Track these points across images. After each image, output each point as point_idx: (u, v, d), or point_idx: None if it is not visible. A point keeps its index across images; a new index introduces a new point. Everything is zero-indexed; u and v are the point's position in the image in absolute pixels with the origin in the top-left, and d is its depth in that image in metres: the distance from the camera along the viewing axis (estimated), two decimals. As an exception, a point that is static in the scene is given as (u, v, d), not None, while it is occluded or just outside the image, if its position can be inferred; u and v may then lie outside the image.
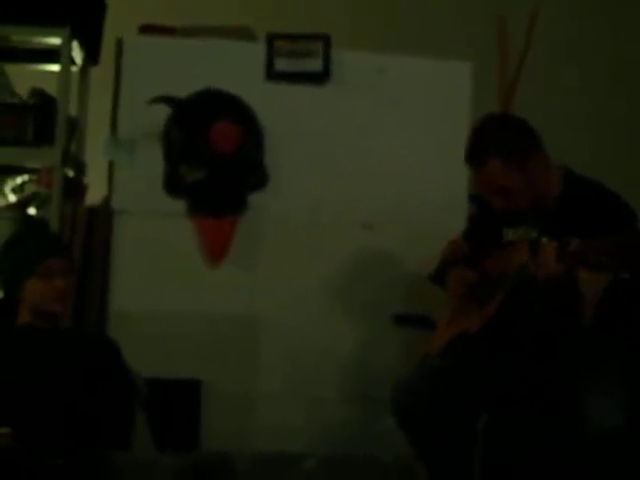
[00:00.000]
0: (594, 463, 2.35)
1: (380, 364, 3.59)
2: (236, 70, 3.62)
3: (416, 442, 2.63)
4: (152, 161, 3.52)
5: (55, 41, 3.56)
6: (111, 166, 3.58)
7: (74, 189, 3.74)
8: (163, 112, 3.48)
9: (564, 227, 2.56)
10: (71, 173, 3.74)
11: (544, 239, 2.39)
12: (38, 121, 3.49)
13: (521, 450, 2.57)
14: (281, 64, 3.63)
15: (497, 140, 2.63)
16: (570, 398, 2.42)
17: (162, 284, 3.52)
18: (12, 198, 3.77)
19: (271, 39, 3.63)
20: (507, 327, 2.65)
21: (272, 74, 3.62)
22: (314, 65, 3.64)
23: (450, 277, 2.90)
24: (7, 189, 3.79)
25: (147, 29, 3.66)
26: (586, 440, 2.36)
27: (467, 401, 2.60)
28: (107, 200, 3.57)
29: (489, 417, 2.62)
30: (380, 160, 3.69)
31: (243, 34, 3.74)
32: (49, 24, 3.50)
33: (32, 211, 3.67)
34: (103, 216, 3.56)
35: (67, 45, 3.53)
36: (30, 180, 3.77)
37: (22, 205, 3.68)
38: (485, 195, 2.68)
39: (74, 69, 3.80)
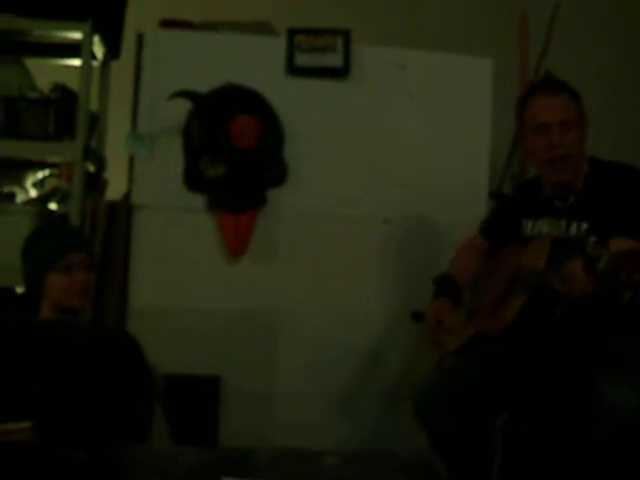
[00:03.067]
0: (611, 461, 2.34)
1: (399, 360, 3.59)
2: (256, 65, 3.62)
3: (436, 440, 2.63)
4: (172, 156, 3.52)
5: (76, 36, 3.56)
6: (131, 161, 3.58)
7: (95, 184, 3.75)
8: (183, 107, 3.48)
9: (592, 209, 2.58)
10: (92, 168, 3.74)
11: (569, 263, 2.36)
12: (59, 116, 3.50)
13: (539, 448, 2.57)
14: (301, 59, 3.62)
15: (574, 90, 2.67)
16: (588, 391, 2.41)
17: (181, 279, 3.52)
18: (33, 193, 3.79)
19: (291, 34, 3.62)
20: (528, 329, 2.64)
21: (292, 69, 3.62)
22: (334, 60, 3.63)
23: (429, 308, 2.84)
24: (28, 184, 3.81)
25: (168, 24, 3.66)
26: (602, 432, 2.34)
27: (487, 400, 2.59)
28: (127, 195, 3.58)
29: (508, 415, 2.62)
30: (400, 155, 3.68)
31: (263, 29, 3.74)
32: (70, 19, 3.50)
33: (53, 206, 3.69)
34: (123, 211, 3.57)
35: (88, 40, 3.53)
36: (51, 175, 3.79)
37: (43, 200, 3.70)
38: (541, 129, 2.61)
39: (95, 64, 3.81)
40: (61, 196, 3.67)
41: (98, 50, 3.76)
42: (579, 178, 2.65)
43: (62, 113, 3.51)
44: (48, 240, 2.71)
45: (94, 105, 3.80)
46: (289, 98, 3.60)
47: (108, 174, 3.94)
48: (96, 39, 3.64)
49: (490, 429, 2.59)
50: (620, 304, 2.31)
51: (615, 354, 2.46)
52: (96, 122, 3.82)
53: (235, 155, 3.47)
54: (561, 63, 4.20)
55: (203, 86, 3.50)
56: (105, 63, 3.93)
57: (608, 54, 4.88)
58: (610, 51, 4.89)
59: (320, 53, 3.63)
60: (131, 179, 3.57)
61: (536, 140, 2.63)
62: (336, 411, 3.58)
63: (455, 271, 2.89)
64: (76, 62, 3.63)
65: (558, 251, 2.56)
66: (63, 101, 3.52)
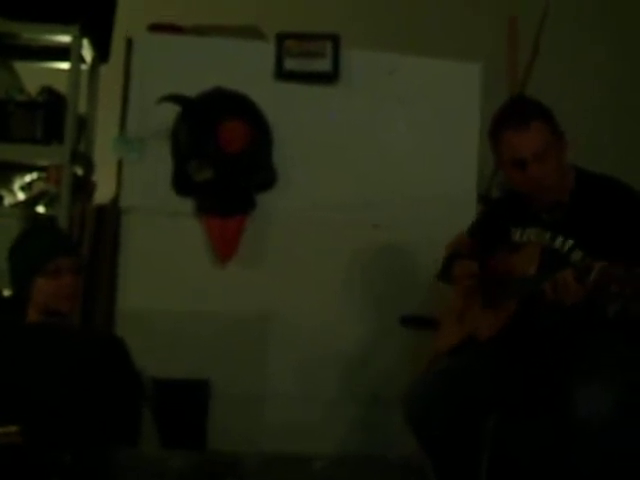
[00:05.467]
0: (593, 462, 2.34)
1: (389, 364, 3.59)
2: (245, 69, 3.62)
3: (426, 442, 2.63)
4: (161, 160, 3.52)
5: (65, 39, 3.57)
6: (120, 164, 3.58)
7: (83, 187, 3.75)
8: (172, 111, 3.48)
9: (578, 225, 2.58)
10: (80, 171, 3.74)
11: (561, 272, 2.36)
12: (47, 119, 3.50)
13: (528, 451, 2.57)
14: (290, 63, 3.63)
15: (540, 107, 2.63)
16: (565, 394, 2.41)
17: (170, 283, 3.52)
18: (21, 196, 3.79)
19: (280, 38, 3.63)
20: (518, 334, 2.64)
21: (281, 73, 3.62)
22: (323, 65, 3.64)
23: (454, 269, 2.88)
24: (16, 187, 3.80)
25: (156, 28, 3.66)
26: (581, 435, 2.34)
27: (477, 402, 2.59)
28: (116, 198, 3.57)
29: (498, 418, 2.63)
30: (389, 160, 3.69)
31: (252, 33, 3.75)
32: (59, 22, 3.51)
33: (41, 209, 3.68)
34: (111, 214, 3.57)
35: (77, 43, 3.53)
36: (39, 178, 3.79)
37: (31, 203, 3.69)
38: (518, 164, 2.59)
39: (84, 67, 3.81)
40: (49, 199, 3.66)
41: (87, 54, 3.76)
42: (565, 193, 2.64)
43: (50, 116, 3.51)
44: (36, 243, 2.70)
45: (83, 109, 3.79)
46: (278, 103, 3.60)
47: (96, 177, 3.93)
48: (85, 43, 3.64)
49: (479, 431, 2.59)
50: (605, 317, 2.35)
51: (590, 358, 2.47)
52: (84, 125, 3.81)
53: (223, 159, 3.47)
54: (555, 64, 4.23)
55: (192, 90, 3.50)
56: (94, 67, 3.93)
57: (604, 53, 4.90)
58: (607, 49, 4.91)
59: (309, 58, 3.63)
60: (119, 183, 3.56)
61: (514, 174, 2.62)
62: (325, 415, 3.57)
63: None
64: (65, 65, 3.63)
65: (548, 258, 2.56)
66: (51, 104, 3.52)
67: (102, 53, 3.86)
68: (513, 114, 2.63)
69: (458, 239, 3.04)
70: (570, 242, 2.58)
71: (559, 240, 2.61)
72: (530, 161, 2.56)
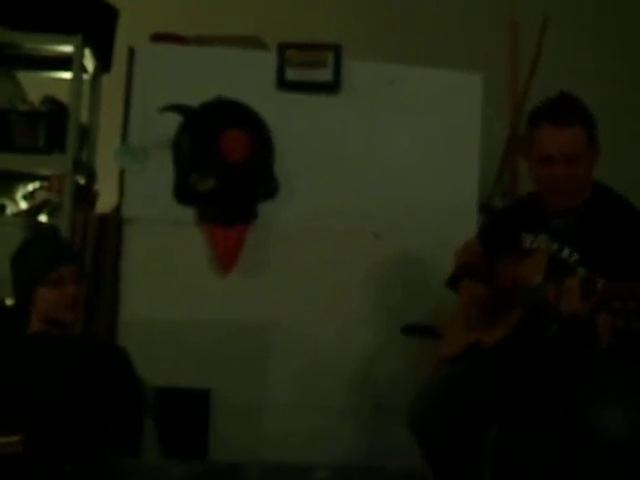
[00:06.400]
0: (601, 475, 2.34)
1: (390, 374, 3.59)
2: (247, 79, 3.62)
3: (429, 451, 2.62)
4: (163, 169, 3.52)
5: (67, 49, 3.57)
6: (122, 174, 3.58)
7: (85, 196, 3.75)
8: (174, 120, 3.49)
9: (586, 240, 2.56)
10: (82, 180, 3.75)
11: (568, 280, 2.36)
12: (50, 128, 3.51)
13: (532, 462, 2.57)
14: (292, 73, 3.63)
15: (585, 113, 2.60)
16: (577, 414, 2.41)
17: (172, 293, 3.52)
18: (23, 205, 3.79)
19: (282, 48, 3.63)
20: (523, 343, 2.63)
21: (283, 83, 3.63)
22: (325, 75, 3.64)
23: (461, 289, 2.87)
24: (18, 196, 3.81)
25: (158, 37, 3.67)
26: (591, 454, 2.34)
27: (479, 411, 2.59)
28: (118, 208, 3.57)
29: (500, 428, 2.62)
30: (390, 169, 3.69)
31: (254, 43, 3.75)
32: (61, 32, 3.51)
33: (43, 218, 3.68)
34: (114, 224, 3.57)
35: (79, 53, 3.54)
36: (41, 187, 3.79)
37: (33, 212, 3.70)
38: (545, 159, 2.57)
39: (86, 77, 3.82)
40: (51, 209, 3.67)
41: (89, 63, 3.77)
42: (580, 203, 2.62)
43: (53, 126, 3.52)
44: (38, 253, 2.71)
45: (85, 118, 3.80)
46: (279, 112, 3.60)
47: (98, 187, 3.94)
48: (87, 52, 3.65)
49: (482, 441, 2.59)
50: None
51: (606, 381, 2.45)
52: (87, 135, 3.82)
53: (225, 169, 3.48)
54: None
55: (193, 100, 3.51)
56: (96, 76, 3.94)
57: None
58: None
59: (310, 68, 3.64)
60: (121, 192, 3.57)
61: (539, 168, 2.60)
62: (327, 425, 3.56)
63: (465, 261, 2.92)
64: (67, 75, 3.64)
65: (555, 268, 2.55)
66: (54, 114, 3.53)
67: (104, 63, 3.87)
68: (559, 109, 2.59)
69: (468, 247, 3.02)
70: (576, 256, 2.57)
71: (566, 251, 2.59)
72: (557, 160, 2.54)
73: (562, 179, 2.56)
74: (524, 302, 2.60)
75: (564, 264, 2.57)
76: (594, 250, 2.53)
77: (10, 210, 3.78)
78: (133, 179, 3.54)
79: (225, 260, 3.52)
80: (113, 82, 3.88)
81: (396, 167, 3.70)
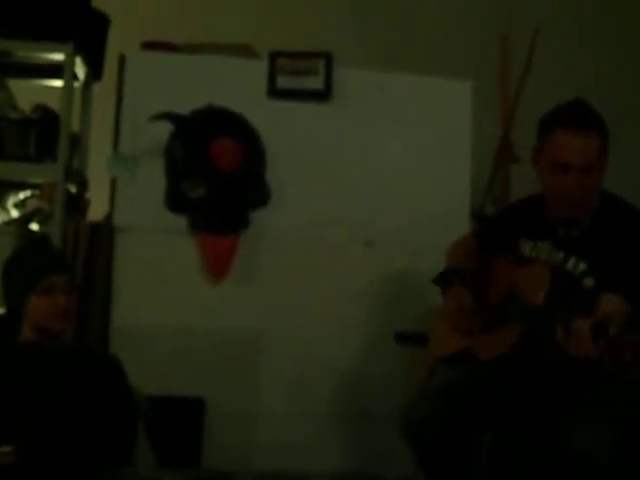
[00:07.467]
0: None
1: (383, 381, 3.59)
2: (238, 87, 3.63)
3: (421, 458, 2.61)
4: (154, 177, 3.52)
5: (58, 57, 3.57)
6: (113, 182, 3.58)
7: (76, 205, 3.74)
8: (165, 128, 3.49)
9: (594, 249, 2.49)
10: (73, 189, 3.74)
11: (579, 321, 2.27)
12: (41, 136, 3.50)
13: (525, 468, 2.56)
14: (283, 81, 3.64)
15: (602, 121, 2.52)
16: (564, 425, 2.39)
17: (164, 301, 3.52)
18: (14, 213, 3.78)
19: (273, 56, 3.64)
20: (521, 363, 2.60)
21: (274, 91, 3.64)
22: (316, 83, 3.65)
23: (449, 295, 2.85)
24: (9, 204, 3.79)
25: (150, 45, 3.68)
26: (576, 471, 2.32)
27: (473, 419, 2.57)
28: (109, 216, 3.57)
29: (494, 435, 2.62)
30: (382, 177, 3.70)
31: (245, 51, 3.76)
32: (53, 40, 3.50)
33: (34, 227, 3.67)
34: (105, 232, 3.56)
35: (70, 61, 3.53)
36: (32, 195, 3.78)
37: (24, 221, 3.69)
38: (560, 167, 2.48)
39: (77, 85, 3.81)
40: (43, 217, 3.65)
41: (80, 71, 3.76)
42: (587, 212, 2.55)
43: (44, 134, 3.51)
44: (29, 261, 2.69)
45: (76, 126, 3.79)
46: (271, 120, 3.61)
47: (90, 195, 3.93)
48: (78, 60, 3.64)
49: (476, 448, 2.58)
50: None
51: (593, 402, 2.41)
52: (78, 143, 3.81)
53: (216, 177, 3.48)
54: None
55: (184, 108, 3.51)
56: (87, 84, 3.93)
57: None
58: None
59: (302, 76, 3.65)
60: (113, 200, 3.56)
61: (553, 177, 2.51)
62: (320, 432, 3.56)
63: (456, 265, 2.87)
64: (58, 83, 3.63)
65: (559, 286, 2.48)
66: (45, 122, 3.52)
67: (95, 71, 3.86)
68: (577, 115, 2.50)
69: (462, 244, 2.96)
70: (583, 266, 2.50)
71: (572, 262, 2.53)
72: (575, 169, 2.45)
73: (575, 190, 2.47)
74: (524, 321, 2.53)
75: (569, 278, 2.51)
76: (603, 259, 2.46)
77: (1, 218, 3.76)
78: (124, 187, 3.54)
79: (217, 268, 3.52)
80: (104, 90, 3.88)
81: (387, 174, 3.71)
